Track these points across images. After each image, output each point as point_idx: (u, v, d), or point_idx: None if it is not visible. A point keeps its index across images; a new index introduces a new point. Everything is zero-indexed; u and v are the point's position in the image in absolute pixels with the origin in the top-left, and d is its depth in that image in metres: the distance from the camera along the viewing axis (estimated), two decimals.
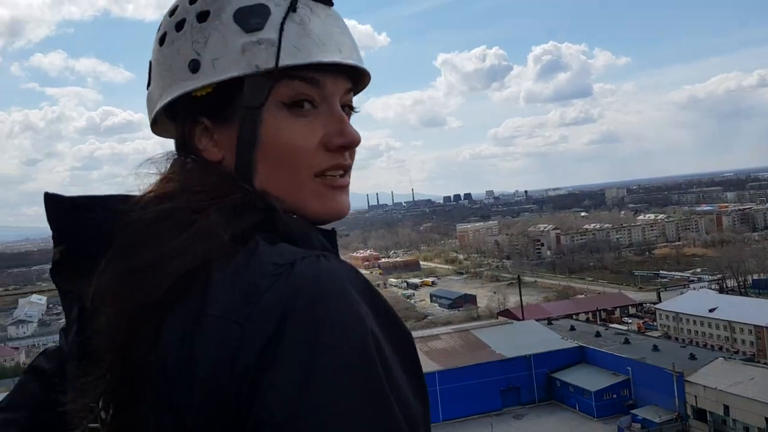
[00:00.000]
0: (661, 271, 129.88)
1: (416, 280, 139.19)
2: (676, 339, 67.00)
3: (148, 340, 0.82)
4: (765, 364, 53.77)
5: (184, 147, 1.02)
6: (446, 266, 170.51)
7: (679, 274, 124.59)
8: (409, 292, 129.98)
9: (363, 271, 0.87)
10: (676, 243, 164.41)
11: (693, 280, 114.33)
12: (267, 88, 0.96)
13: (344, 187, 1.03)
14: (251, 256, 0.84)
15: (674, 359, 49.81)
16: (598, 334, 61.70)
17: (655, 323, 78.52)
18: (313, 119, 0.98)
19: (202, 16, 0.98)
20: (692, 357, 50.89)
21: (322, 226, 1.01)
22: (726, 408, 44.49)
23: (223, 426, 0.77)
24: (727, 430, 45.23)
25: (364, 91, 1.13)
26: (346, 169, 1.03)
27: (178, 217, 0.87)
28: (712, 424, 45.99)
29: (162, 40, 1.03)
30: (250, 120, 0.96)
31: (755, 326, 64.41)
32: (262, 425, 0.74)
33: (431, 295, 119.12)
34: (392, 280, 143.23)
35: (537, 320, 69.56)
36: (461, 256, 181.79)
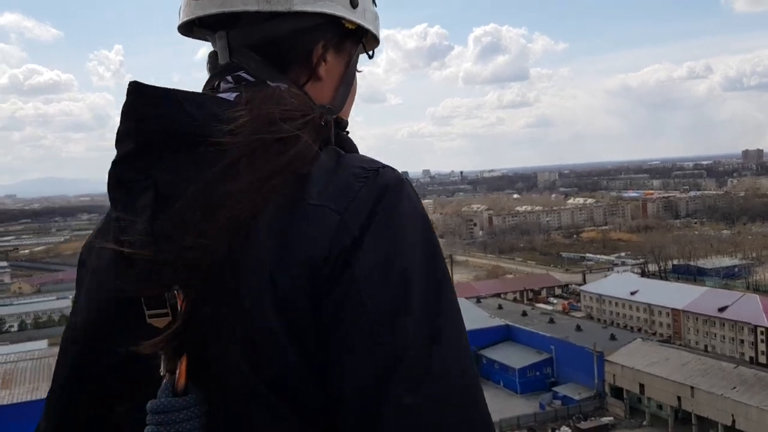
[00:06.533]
0: (587, 254, 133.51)
1: None
2: (599, 320, 69.01)
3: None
4: (680, 345, 55.86)
5: (289, 52, 1.14)
6: None
7: (604, 257, 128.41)
8: None
9: None
10: (603, 227, 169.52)
11: (617, 264, 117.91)
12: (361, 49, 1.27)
13: None
14: (338, 160, 1.01)
15: (596, 339, 51.08)
16: (524, 314, 62.85)
17: (579, 304, 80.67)
18: None
19: None
20: (613, 337, 52.20)
21: None
22: (642, 387, 45.92)
23: (315, 297, 0.89)
24: (641, 407, 46.78)
25: None
26: None
27: (275, 147, 0.96)
28: (627, 401, 47.45)
29: None
30: (354, 65, 1.26)
31: (672, 309, 66.94)
32: (349, 282, 0.89)
33: None
34: None
35: (466, 298, 70.10)
36: None
